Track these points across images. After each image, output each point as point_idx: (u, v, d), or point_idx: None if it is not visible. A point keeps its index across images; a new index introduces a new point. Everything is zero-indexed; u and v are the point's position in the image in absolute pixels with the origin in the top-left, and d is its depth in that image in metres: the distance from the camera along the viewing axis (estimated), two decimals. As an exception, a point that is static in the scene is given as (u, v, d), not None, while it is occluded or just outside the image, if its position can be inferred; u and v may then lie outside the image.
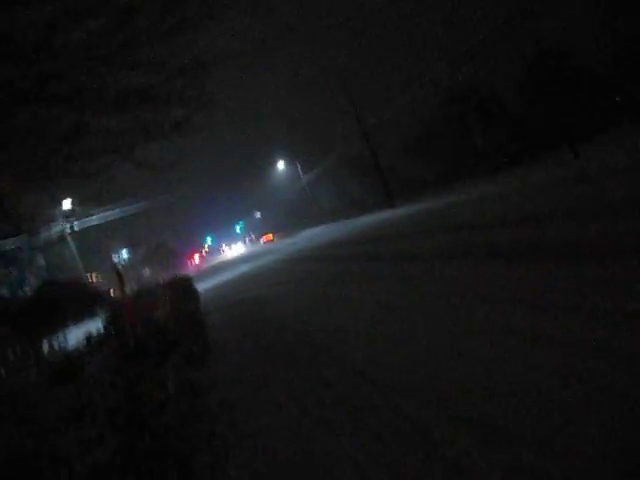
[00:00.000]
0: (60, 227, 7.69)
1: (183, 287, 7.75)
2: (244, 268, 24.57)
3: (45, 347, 11.73)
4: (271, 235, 65.58)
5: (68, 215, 6.60)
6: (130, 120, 5.06)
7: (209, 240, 79.48)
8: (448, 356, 3.49)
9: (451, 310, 4.60)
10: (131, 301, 2.75)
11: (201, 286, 16.15)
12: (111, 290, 23.15)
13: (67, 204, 19.45)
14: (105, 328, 4.85)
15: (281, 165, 51.96)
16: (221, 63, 5.16)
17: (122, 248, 47.48)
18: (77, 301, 12.31)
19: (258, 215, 72.61)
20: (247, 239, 73.60)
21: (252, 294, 11.98)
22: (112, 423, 1.96)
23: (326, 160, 40.69)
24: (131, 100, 4.73)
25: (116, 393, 2.11)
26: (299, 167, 46.25)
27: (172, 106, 5.15)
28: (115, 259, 49.34)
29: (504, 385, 2.74)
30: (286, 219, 61.17)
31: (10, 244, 7.95)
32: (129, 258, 45.45)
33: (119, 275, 2.60)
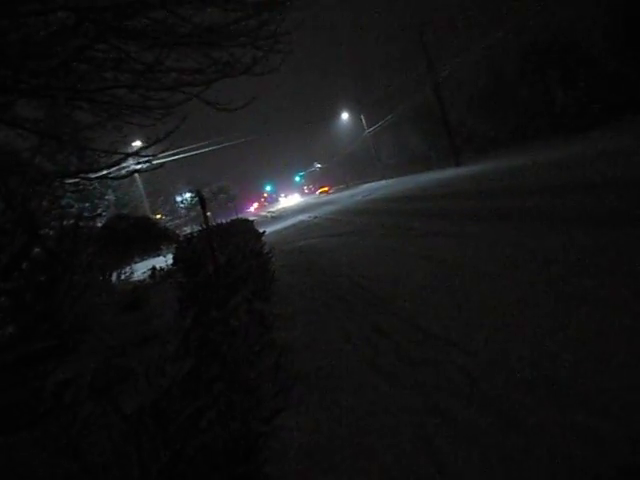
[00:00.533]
0: (130, 166, 7.96)
1: (246, 228, 7.92)
2: (302, 217, 24.78)
3: (114, 277, 12.52)
4: (327, 187, 65.62)
5: (137, 155, 6.85)
6: (204, 58, 5.05)
7: (268, 188, 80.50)
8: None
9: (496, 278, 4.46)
10: (209, 233, 2.83)
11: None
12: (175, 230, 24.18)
13: (137, 144, 20.19)
14: (174, 261, 5.06)
15: (345, 116, 50.98)
16: (298, 7, 4.99)
17: (185, 190, 49.19)
18: (144, 236, 12.94)
19: (318, 166, 72.35)
20: (305, 190, 73.91)
21: (309, 243, 12.11)
22: (185, 347, 2.06)
23: (391, 114, 39.44)
24: (207, 37, 4.70)
25: (186, 320, 2.21)
26: (363, 119, 45.19)
27: (247, 45, 5.08)
28: (178, 200, 51.32)
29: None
30: (346, 172, 60.64)
31: (83, 179, 8.35)
32: (191, 199, 47.04)
33: (202, 201, 2.65)
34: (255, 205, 75.97)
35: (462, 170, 23.10)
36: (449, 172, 24.46)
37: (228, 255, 3.67)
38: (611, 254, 4.15)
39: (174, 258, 5.30)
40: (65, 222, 6.58)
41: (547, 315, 3.31)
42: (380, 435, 2.51)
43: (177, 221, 42.83)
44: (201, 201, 2.75)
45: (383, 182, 37.45)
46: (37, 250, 2.57)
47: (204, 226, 5.37)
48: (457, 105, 32.58)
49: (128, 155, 5.97)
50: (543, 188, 8.94)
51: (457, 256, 5.81)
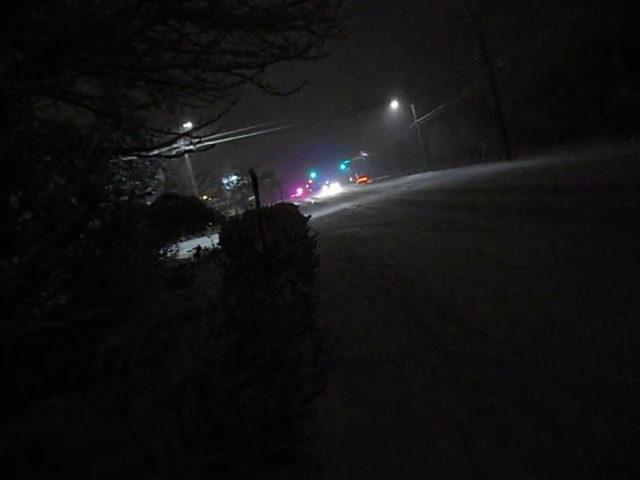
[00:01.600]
0: (181, 146, 8.14)
1: (292, 212, 8.00)
2: (345, 205, 24.73)
3: (161, 253, 12.92)
4: (365, 178, 65.29)
5: (188, 135, 7.00)
6: (260, 41, 5.08)
7: (313, 174, 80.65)
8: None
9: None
10: (259, 212, 2.88)
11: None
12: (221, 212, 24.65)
13: (189, 125, 20.59)
14: (220, 241, 5.17)
15: (395, 106, 50.20)
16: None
17: (232, 173, 50.00)
18: (191, 216, 13.26)
19: (364, 155, 71.80)
20: (350, 178, 73.54)
21: (351, 231, 12.08)
22: (229, 323, 2.12)
23: (442, 104, 38.55)
24: (263, 20, 4.72)
25: (231, 298, 2.26)
26: (413, 109, 44.39)
27: (302, 29, 5.07)
28: (224, 182, 52.28)
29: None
30: (393, 162, 59.92)
31: (137, 157, 8.60)
32: (237, 182, 47.82)
33: (255, 180, 2.69)
34: (300, 191, 76.36)
35: (513, 165, 22.37)
36: (499, 166, 23.73)
37: (275, 236, 3.72)
38: None
39: (220, 238, 5.41)
40: (120, 198, 6.82)
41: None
42: (414, 424, 2.50)
43: (222, 203, 43.68)
44: (254, 180, 2.78)
45: (429, 174, 36.75)
46: (94, 223, 2.69)
47: (253, 207, 5.47)
48: (512, 97, 31.46)
49: (180, 135, 6.12)
50: (604, 187, 8.55)
51: (497, 252, 5.72)
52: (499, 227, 7.29)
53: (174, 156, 7.16)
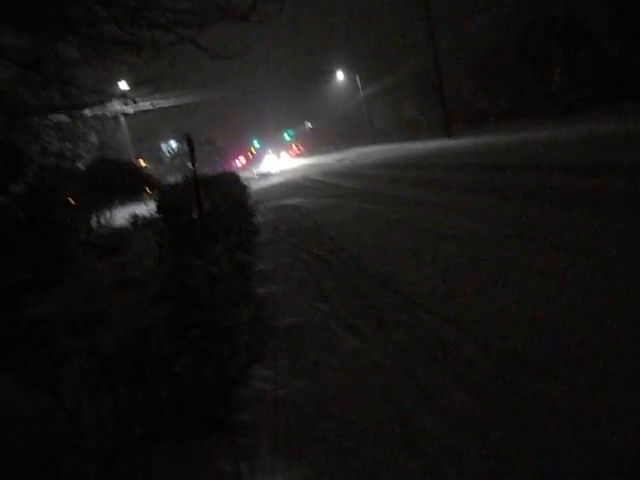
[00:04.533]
0: (115, 107, 7.70)
1: (232, 180, 7.84)
2: (290, 177, 24.55)
3: (93, 222, 12.33)
4: (297, 149, 65.01)
5: (124, 96, 6.60)
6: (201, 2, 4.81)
7: (256, 143, 79.08)
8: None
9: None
10: (196, 180, 2.79)
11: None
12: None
13: (124, 85, 19.40)
14: (157, 209, 5.00)
15: (340, 76, 49.81)
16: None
17: (171, 138, 48.08)
18: (127, 182, 12.71)
19: (309, 126, 71.14)
20: (292, 150, 72.74)
21: (293, 202, 12.05)
22: (163, 292, 2.07)
23: (387, 76, 38.71)
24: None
25: (165, 265, 2.21)
26: (358, 80, 44.29)
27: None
28: (163, 147, 50.26)
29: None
30: (338, 134, 59.82)
31: (65, 117, 8.05)
32: (177, 148, 46.08)
33: (191, 144, 2.60)
34: (242, 160, 74.75)
35: (451, 142, 23.04)
36: (439, 143, 24.36)
37: (213, 204, 3.64)
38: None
39: (157, 205, 5.23)
40: (48, 159, 6.39)
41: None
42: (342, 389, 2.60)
43: (161, 170, 42.04)
44: (189, 145, 2.69)
45: (374, 147, 37.10)
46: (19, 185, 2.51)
47: (191, 173, 5.29)
48: (454, 76, 32.09)
49: (114, 96, 5.78)
50: (533, 167, 8.97)
51: (435, 223, 5.90)
52: (434, 202, 7.52)
53: (107, 118, 6.75)
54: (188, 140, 2.73)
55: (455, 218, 6.09)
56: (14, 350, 2.40)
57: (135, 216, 11.46)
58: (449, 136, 27.23)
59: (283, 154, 64.80)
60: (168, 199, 4.52)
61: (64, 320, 2.91)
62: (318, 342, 3.28)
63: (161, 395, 2.06)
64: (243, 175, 27.88)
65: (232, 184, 6.78)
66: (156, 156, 45.67)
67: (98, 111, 7.69)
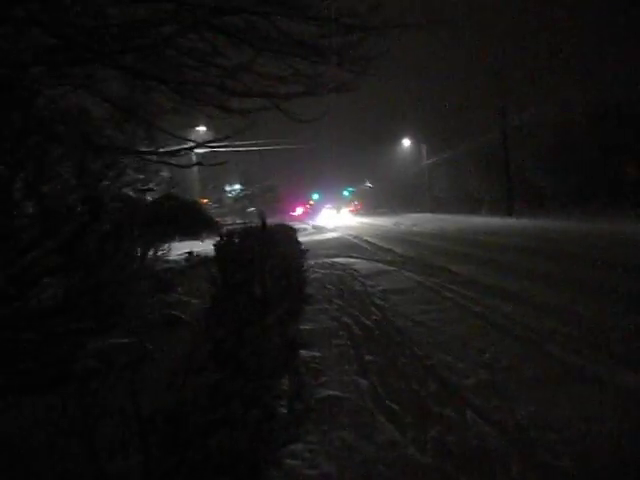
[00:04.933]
0: (190, 148, 8.15)
1: (291, 238, 7.94)
2: (342, 234, 24.72)
3: (150, 253, 12.80)
4: (356, 206, 65.50)
5: (204, 145, 7.07)
6: (287, 67, 5.12)
7: (315, 196, 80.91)
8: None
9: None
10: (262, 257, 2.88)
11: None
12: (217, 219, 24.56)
13: (202, 130, 20.56)
14: (215, 253, 5.12)
15: (406, 143, 50.81)
16: (388, 30, 5.01)
17: (236, 182, 50.09)
18: (189, 220, 13.21)
19: (369, 185, 72.25)
20: (352, 207, 73.62)
21: (343, 261, 12.02)
22: (214, 358, 2.06)
23: (452, 148, 39.05)
24: (297, 50, 4.78)
25: (218, 331, 2.21)
26: (424, 150, 44.94)
27: (334, 64, 5.13)
28: (227, 189, 52.33)
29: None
30: (396, 196, 60.28)
31: (145, 152, 8.58)
32: (240, 192, 47.91)
33: (263, 220, 2.68)
34: (300, 210, 76.41)
35: (513, 221, 22.61)
36: (499, 220, 23.97)
37: (270, 267, 3.68)
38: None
39: (215, 250, 5.36)
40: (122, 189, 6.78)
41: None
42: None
43: (222, 209, 43.61)
44: (262, 219, 2.77)
45: (429, 215, 36.99)
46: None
47: (252, 221, 5.44)
48: (521, 155, 31.93)
49: (195, 146, 6.14)
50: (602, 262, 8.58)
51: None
52: (490, 284, 7.28)
53: (184, 166, 7.15)
54: (261, 215, 2.80)
55: (510, 307, 5.86)
56: (55, 384, 2.43)
57: (190, 253, 11.85)
58: (510, 214, 26.80)
59: (342, 210, 65.72)
60: (228, 252, 4.62)
61: (108, 359, 2.94)
62: (354, 424, 3.14)
63: (192, 461, 2.01)
64: (299, 226, 28.39)
65: (290, 242, 6.85)
66: (219, 196, 47.53)
67: (175, 153, 8.15)
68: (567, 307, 5.68)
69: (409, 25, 5.12)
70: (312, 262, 11.19)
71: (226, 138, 5.86)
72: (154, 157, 6.58)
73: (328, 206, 67.04)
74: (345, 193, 78.61)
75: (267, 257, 3.16)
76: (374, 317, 6.02)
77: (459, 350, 4.46)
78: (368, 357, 4.46)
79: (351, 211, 66.40)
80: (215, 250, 5.77)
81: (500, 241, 14.34)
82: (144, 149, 7.06)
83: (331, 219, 44.84)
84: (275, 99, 4.96)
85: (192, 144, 6.38)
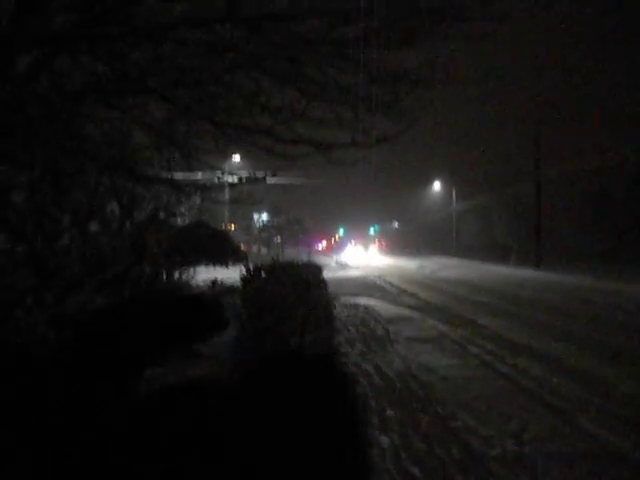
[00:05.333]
0: (224, 176, 8.29)
1: (321, 282, 7.88)
2: (365, 274, 24.55)
3: (176, 276, 12.90)
4: (380, 243, 64.97)
5: (236, 171, 7.22)
6: (332, 115, 5.18)
7: (341, 231, 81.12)
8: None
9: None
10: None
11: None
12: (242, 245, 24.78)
13: (237, 158, 20.92)
14: (242, 286, 5.10)
15: (437, 186, 50.82)
16: (436, 85, 5.07)
17: (264, 211, 50.64)
18: (216, 249, 13.33)
19: (396, 225, 72.16)
20: (379, 244, 73.44)
21: (366, 302, 11.87)
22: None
23: (483, 195, 38.83)
24: (344, 97, 4.87)
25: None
26: (454, 194, 44.82)
27: (378, 113, 5.21)
28: (255, 217, 52.95)
29: None
30: (422, 238, 59.98)
31: (183, 184, 8.75)
32: (268, 221, 48.36)
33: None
34: (324, 244, 76.56)
35: (539, 274, 22.13)
36: (527, 272, 23.49)
37: (302, 317, 3.62)
38: None
39: (242, 287, 5.35)
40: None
41: None
42: None
43: (249, 237, 44.03)
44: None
45: (455, 261, 36.50)
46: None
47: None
48: (553, 208, 31.56)
49: (235, 184, 6.26)
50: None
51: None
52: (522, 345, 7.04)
53: (221, 202, 7.28)
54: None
55: (539, 369, 5.65)
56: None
57: (215, 281, 11.94)
58: (537, 266, 26.23)
59: (369, 248, 65.36)
60: (256, 290, 4.59)
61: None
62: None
63: None
64: (323, 261, 28.31)
65: (319, 285, 6.78)
66: (247, 223, 48.03)
67: (209, 183, 8.31)
68: (600, 375, 5.44)
69: (458, 80, 5.16)
70: (334, 301, 11.08)
71: (264, 178, 5.94)
72: (192, 190, 6.69)
73: (353, 242, 66.92)
74: (371, 231, 78.59)
75: (299, 306, 3.11)
76: (396, 366, 5.87)
77: (484, 413, 4.28)
78: (389, 412, 4.31)
79: (375, 250, 66.29)
80: (242, 284, 5.76)
81: (529, 295, 13.99)
82: (181, 178, 7.22)
83: (355, 256, 44.64)
84: (321, 147, 5.02)
85: (230, 180, 6.48)
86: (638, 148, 24.18)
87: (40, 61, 3.98)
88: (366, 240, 72.84)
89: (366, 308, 11.00)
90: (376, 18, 4.52)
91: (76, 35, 3.66)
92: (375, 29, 4.75)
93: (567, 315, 10.01)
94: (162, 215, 9.13)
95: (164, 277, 9.56)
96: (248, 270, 6.86)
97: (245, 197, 6.13)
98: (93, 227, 3.56)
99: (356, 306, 11.37)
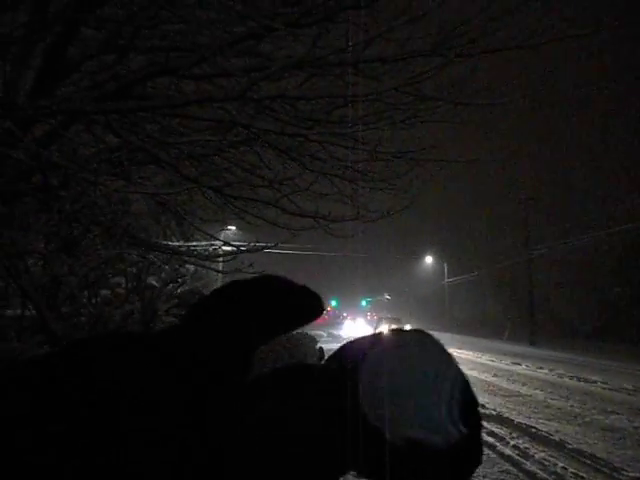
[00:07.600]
0: (217, 247, 8.32)
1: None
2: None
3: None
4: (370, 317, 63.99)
5: (236, 252, 7.29)
6: (333, 189, 5.37)
7: (334, 303, 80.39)
8: None
9: None
10: None
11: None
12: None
13: (232, 229, 21.19)
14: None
15: (429, 260, 51.25)
16: (432, 165, 5.32)
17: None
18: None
19: (387, 297, 71.86)
20: (368, 316, 72.67)
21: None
22: None
23: (475, 270, 39.14)
24: (344, 173, 5.08)
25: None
26: (446, 268, 45.19)
27: (378, 189, 5.41)
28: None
29: None
30: (412, 312, 59.61)
31: (180, 251, 8.76)
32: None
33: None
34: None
35: (534, 351, 21.84)
36: (522, 349, 23.18)
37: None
38: None
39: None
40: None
41: None
42: None
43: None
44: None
45: (448, 336, 36.04)
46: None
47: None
48: (545, 285, 31.83)
49: (232, 254, 6.30)
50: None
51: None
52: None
53: (219, 271, 7.24)
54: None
55: (541, 451, 5.44)
56: None
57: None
58: (532, 344, 25.96)
59: (381, 325, 63.89)
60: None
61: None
62: None
63: None
64: (315, 331, 27.73)
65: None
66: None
67: (203, 251, 8.32)
68: (604, 456, 5.26)
69: (451, 161, 5.39)
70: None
71: (266, 246, 5.99)
72: (191, 259, 6.70)
73: (351, 317, 65.78)
74: (363, 303, 78.01)
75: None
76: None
77: None
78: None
79: (367, 321, 65.23)
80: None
81: (526, 372, 13.75)
82: (175, 244, 7.25)
83: (348, 328, 43.71)
84: (323, 221, 5.13)
85: (228, 249, 6.51)
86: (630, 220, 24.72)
87: (55, 129, 4.11)
88: (358, 312, 72.14)
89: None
90: (383, 101, 4.75)
91: (94, 110, 3.82)
92: (376, 111, 5.01)
93: (566, 393, 9.77)
94: (154, 283, 9.04)
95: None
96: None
97: (245, 267, 6.08)
98: (103, 293, 3.55)
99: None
